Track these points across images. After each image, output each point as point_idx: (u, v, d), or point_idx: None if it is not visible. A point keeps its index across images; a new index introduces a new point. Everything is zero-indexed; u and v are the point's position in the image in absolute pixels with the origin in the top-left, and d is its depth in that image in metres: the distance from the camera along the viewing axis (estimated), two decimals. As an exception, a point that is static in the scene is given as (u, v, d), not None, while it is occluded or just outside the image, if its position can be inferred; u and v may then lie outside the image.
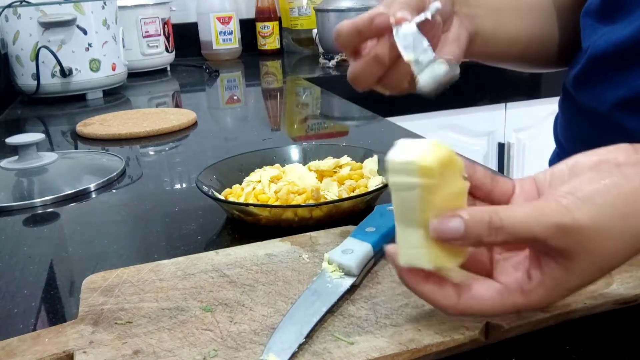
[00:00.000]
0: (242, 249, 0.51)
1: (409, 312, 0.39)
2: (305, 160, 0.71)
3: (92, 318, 0.41)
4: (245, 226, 0.61)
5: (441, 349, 0.37)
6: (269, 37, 1.94)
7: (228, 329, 0.39)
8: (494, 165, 1.65)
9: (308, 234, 0.53)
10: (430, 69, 0.46)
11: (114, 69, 1.41)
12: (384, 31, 0.46)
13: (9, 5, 1.33)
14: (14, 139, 0.81)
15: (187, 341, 0.38)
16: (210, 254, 0.50)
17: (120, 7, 1.50)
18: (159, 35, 1.68)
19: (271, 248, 0.51)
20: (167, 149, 0.97)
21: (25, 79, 1.36)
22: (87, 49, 1.36)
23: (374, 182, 0.63)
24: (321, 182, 0.64)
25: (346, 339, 0.37)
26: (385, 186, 0.61)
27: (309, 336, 0.38)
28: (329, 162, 0.67)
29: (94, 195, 0.75)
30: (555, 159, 0.74)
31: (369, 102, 1.39)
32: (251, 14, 1.99)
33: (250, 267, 0.47)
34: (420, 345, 0.36)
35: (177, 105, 1.36)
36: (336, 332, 0.38)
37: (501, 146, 1.66)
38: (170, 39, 1.73)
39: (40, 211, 0.71)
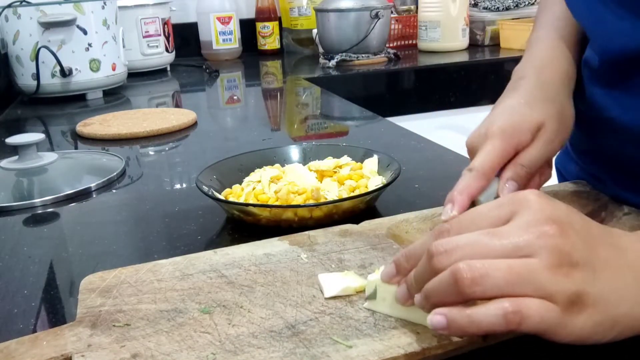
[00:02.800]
0: (241, 248, 0.51)
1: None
2: (305, 160, 0.70)
3: (90, 320, 0.41)
4: (245, 226, 0.61)
5: (439, 352, 0.36)
6: (269, 37, 1.94)
7: (226, 332, 0.39)
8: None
9: (306, 232, 0.53)
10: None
11: (114, 69, 1.41)
12: None
13: (9, 5, 1.33)
14: (14, 139, 0.81)
15: (186, 344, 0.38)
16: (209, 253, 0.50)
17: (120, 7, 1.50)
18: (159, 35, 1.68)
19: (269, 248, 0.50)
20: (167, 149, 0.97)
21: (25, 79, 1.36)
22: (87, 49, 1.35)
23: (374, 182, 0.63)
24: (321, 182, 0.64)
25: (345, 342, 0.37)
26: (385, 186, 0.61)
27: (309, 340, 0.38)
28: (329, 162, 0.67)
29: (94, 195, 0.75)
30: (563, 158, 0.74)
31: (369, 102, 1.40)
32: (251, 14, 1.98)
33: (249, 267, 0.47)
34: (418, 348, 0.36)
35: (177, 105, 1.36)
36: (334, 335, 0.38)
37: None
38: (170, 39, 1.73)
39: (40, 211, 0.71)
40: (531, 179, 0.50)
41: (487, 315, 0.33)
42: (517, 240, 0.34)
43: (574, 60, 0.58)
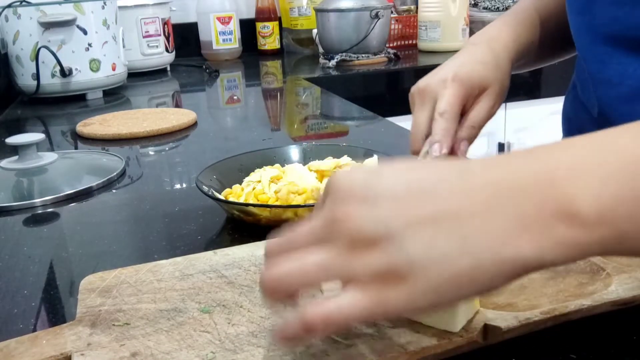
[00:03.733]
0: (241, 249, 0.51)
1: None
2: (305, 160, 0.70)
3: (89, 319, 0.41)
4: (246, 226, 0.61)
5: (439, 351, 0.36)
6: (269, 37, 1.94)
7: (226, 331, 0.39)
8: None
9: (307, 234, 0.53)
10: None
11: (114, 69, 1.41)
12: None
13: (9, 5, 1.33)
14: (14, 139, 0.81)
15: (185, 343, 0.38)
16: (209, 254, 0.50)
17: (120, 7, 1.50)
18: (159, 35, 1.68)
19: (270, 249, 0.50)
20: (167, 149, 0.97)
21: (25, 79, 1.36)
22: (87, 49, 1.36)
23: (374, 183, 0.63)
24: (321, 182, 0.64)
25: (344, 341, 0.37)
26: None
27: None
28: (329, 162, 0.67)
29: (94, 195, 0.75)
30: None
31: (369, 102, 1.40)
32: (251, 14, 1.98)
33: (249, 267, 0.47)
34: (418, 347, 0.36)
35: (177, 105, 1.36)
36: (334, 334, 0.38)
37: (501, 146, 1.66)
38: (170, 39, 1.73)
39: (40, 211, 0.71)
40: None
41: (292, 329, 0.31)
42: (315, 230, 0.32)
43: (527, 34, 0.65)
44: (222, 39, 1.88)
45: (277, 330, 0.33)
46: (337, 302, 0.30)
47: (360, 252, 0.29)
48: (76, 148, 1.01)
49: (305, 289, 0.33)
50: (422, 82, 0.56)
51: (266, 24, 1.93)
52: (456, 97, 0.52)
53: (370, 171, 0.32)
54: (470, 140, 0.52)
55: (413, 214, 0.29)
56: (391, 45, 1.89)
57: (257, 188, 0.62)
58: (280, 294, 0.32)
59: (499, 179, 0.29)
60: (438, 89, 0.54)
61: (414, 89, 0.57)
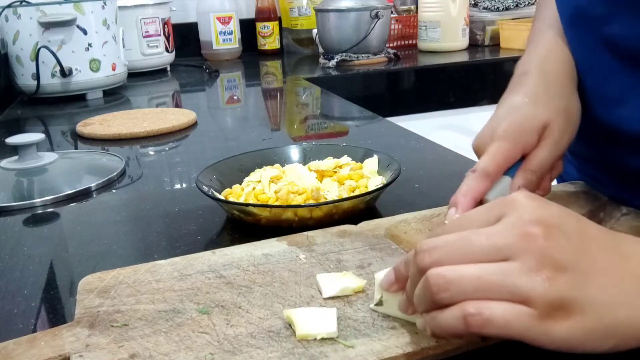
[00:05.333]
0: (239, 249, 0.51)
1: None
2: (305, 160, 0.70)
3: (88, 320, 0.41)
4: (246, 226, 0.61)
5: (438, 352, 0.36)
6: (269, 37, 1.94)
7: (224, 332, 0.39)
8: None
9: (305, 233, 0.53)
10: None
11: (114, 69, 1.41)
12: None
13: (9, 5, 1.33)
14: (14, 139, 0.81)
15: (184, 345, 0.38)
16: (207, 254, 0.50)
17: (120, 7, 1.50)
18: (159, 35, 1.68)
19: (268, 248, 0.50)
20: (167, 149, 0.97)
21: (25, 79, 1.36)
22: (87, 49, 1.36)
23: (374, 182, 0.63)
24: (321, 182, 0.64)
25: (343, 342, 0.37)
26: (385, 186, 0.61)
27: (307, 340, 0.37)
28: (329, 162, 0.67)
29: (94, 195, 0.75)
30: None
31: (369, 102, 1.40)
32: (251, 14, 1.98)
33: (247, 267, 0.47)
34: (417, 348, 0.36)
35: (177, 105, 1.36)
36: (339, 338, 0.38)
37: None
38: (170, 39, 1.73)
39: (40, 211, 0.71)
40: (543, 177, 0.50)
41: (448, 317, 0.32)
42: (498, 241, 0.33)
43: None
44: (222, 39, 1.88)
45: (430, 319, 0.34)
46: (503, 309, 0.31)
47: (546, 275, 0.31)
48: (76, 148, 1.01)
49: (477, 297, 0.32)
50: (476, 140, 0.51)
51: (266, 24, 1.93)
52: (496, 156, 0.47)
53: (556, 206, 0.35)
54: (530, 186, 0.46)
55: (601, 260, 0.33)
56: (391, 45, 1.89)
57: (257, 188, 0.62)
58: (448, 295, 0.32)
59: None
60: (485, 146, 0.49)
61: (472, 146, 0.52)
